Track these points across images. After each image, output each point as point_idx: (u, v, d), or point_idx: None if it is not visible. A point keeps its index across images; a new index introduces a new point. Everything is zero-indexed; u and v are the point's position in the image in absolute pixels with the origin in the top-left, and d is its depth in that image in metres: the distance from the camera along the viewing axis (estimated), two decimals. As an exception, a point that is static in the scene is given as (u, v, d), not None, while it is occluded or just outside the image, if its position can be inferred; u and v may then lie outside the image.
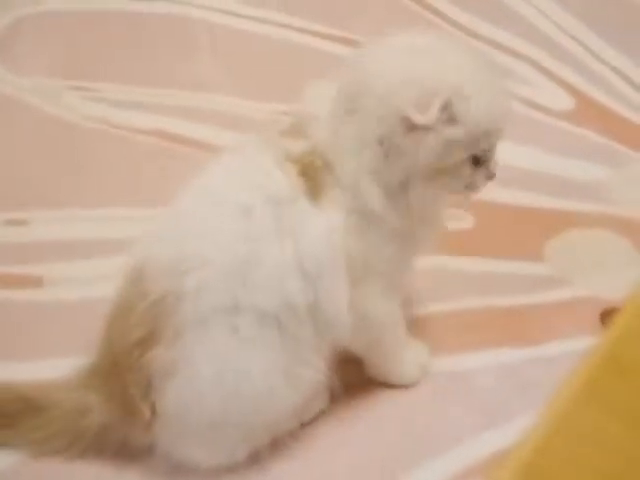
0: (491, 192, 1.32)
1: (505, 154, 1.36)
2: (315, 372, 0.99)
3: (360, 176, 0.94)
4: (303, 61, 1.54)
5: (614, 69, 1.54)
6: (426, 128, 0.90)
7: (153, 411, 0.95)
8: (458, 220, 1.31)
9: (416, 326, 1.18)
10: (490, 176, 0.98)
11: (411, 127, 0.90)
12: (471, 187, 0.99)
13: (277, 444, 1.01)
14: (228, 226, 0.94)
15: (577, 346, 1.15)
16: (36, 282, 1.22)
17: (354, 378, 1.08)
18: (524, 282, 1.24)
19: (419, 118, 0.89)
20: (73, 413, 0.98)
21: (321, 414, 1.06)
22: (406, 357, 1.10)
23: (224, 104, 1.47)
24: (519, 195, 1.35)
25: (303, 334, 0.96)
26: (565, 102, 1.48)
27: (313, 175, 0.96)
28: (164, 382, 0.94)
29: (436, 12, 1.63)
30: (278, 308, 0.94)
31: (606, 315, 1.19)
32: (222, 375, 0.94)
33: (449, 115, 0.90)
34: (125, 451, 1.00)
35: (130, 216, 1.31)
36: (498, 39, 1.58)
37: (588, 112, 1.46)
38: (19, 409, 0.99)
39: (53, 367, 1.05)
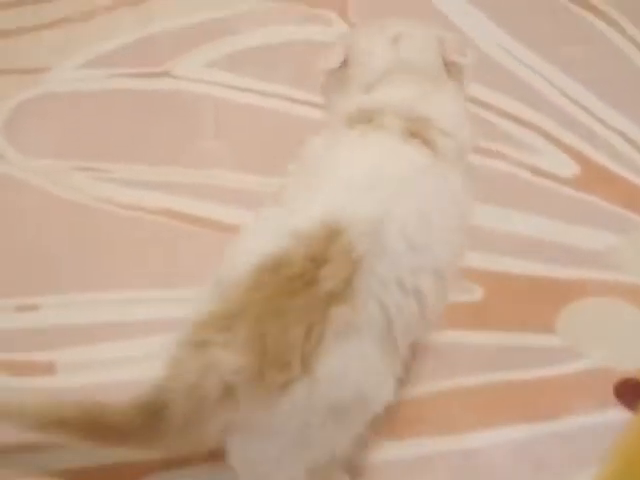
0: (500, 262, 1.34)
1: (512, 223, 1.39)
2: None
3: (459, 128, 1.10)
4: (308, 134, 1.54)
5: (620, 134, 1.54)
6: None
7: (303, 371, 0.90)
8: (467, 292, 1.31)
9: (428, 404, 1.18)
10: None
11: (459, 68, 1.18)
12: None
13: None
14: (407, 194, 1.00)
15: (592, 421, 1.14)
16: (48, 368, 1.22)
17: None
18: (536, 355, 1.24)
19: (464, 59, 1.17)
20: (193, 374, 0.90)
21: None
22: None
23: (231, 180, 1.47)
24: (528, 265, 1.35)
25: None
26: (571, 168, 1.48)
27: (431, 140, 1.06)
28: (332, 344, 0.90)
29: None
30: (449, 264, 1.02)
31: (621, 387, 1.18)
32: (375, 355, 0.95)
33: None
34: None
35: (140, 298, 1.31)
36: (504, 107, 1.58)
37: (594, 178, 1.46)
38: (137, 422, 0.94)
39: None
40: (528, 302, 1.31)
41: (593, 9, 1.79)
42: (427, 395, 1.20)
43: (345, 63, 1.14)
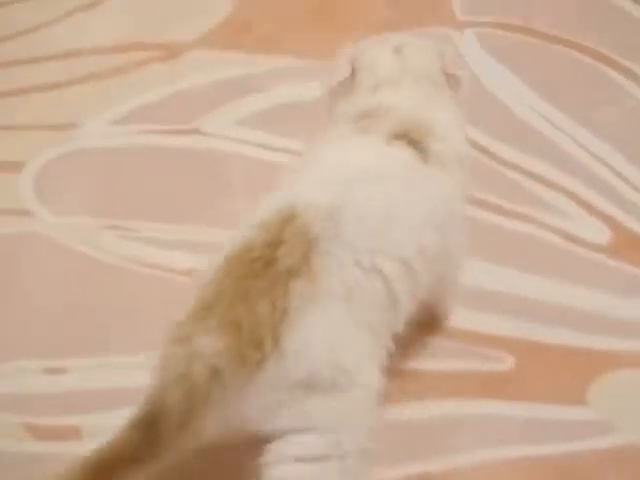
0: (530, 330, 1.32)
1: (543, 290, 1.38)
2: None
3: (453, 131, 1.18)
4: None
5: (650, 198, 1.52)
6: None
7: (274, 347, 0.96)
8: (497, 362, 1.29)
9: (456, 477, 1.16)
10: None
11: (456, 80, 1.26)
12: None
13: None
14: (371, 186, 1.07)
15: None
16: (74, 433, 1.22)
17: None
18: (567, 428, 1.23)
19: (459, 72, 1.26)
20: (181, 365, 0.97)
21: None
22: None
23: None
24: (559, 333, 1.33)
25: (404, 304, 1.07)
26: (602, 234, 1.47)
27: (419, 141, 1.13)
28: (297, 319, 0.97)
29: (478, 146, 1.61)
30: (414, 256, 1.06)
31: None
32: (346, 322, 1.01)
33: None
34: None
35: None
36: (531, 168, 1.57)
37: (627, 245, 1.45)
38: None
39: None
40: (559, 372, 1.29)
41: (623, 70, 1.78)
42: (454, 467, 1.18)
43: (352, 73, 1.24)
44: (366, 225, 1.04)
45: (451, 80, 1.24)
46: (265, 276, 0.99)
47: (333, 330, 1.00)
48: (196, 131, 1.67)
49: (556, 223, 1.49)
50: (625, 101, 1.71)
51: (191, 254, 1.44)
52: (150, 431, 0.97)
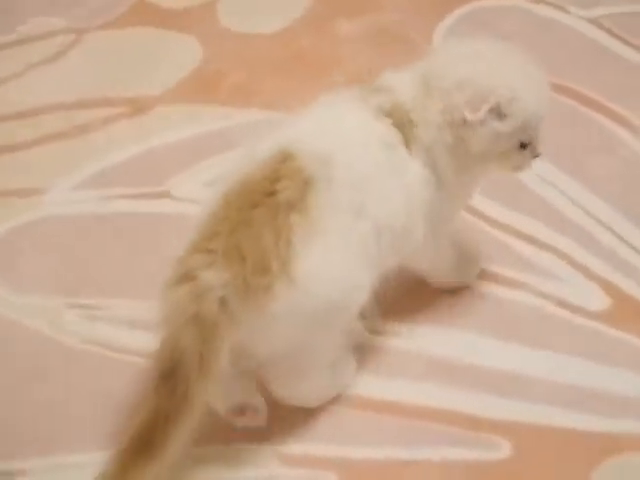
0: (526, 412, 1.23)
1: (537, 364, 1.28)
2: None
3: (437, 145, 1.17)
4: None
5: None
6: (476, 123, 1.14)
7: (281, 273, 1.03)
8: (492, 449, 1.20)
9: None
10: (536, 155, 1.22)
11: (464, 121, 1.14)
12: (519, 168, 1.24)
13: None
14: (358, 147, 1.14)
15: None
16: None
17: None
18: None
19: (470, 115, 1.13)
20: (191, 295, 1.02)
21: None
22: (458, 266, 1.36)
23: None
24: (557, 415, 1.24)
25: (386, 254, 1.15)
26: (600, 300, 1.38)
27: (403, 128, 1.17)
28: (301, 250, 1.04)
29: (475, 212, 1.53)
30: (386, 223, 1.12)
31: None
32: (343, 262, 1.09)
33: (498, 113, 1.14)
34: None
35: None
36: (523, 229, 1.48)
37: (628, 312, 1.35)
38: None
39: None
40: (559, 458, 1.20)
41: (615, 116, 1.69)
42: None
43: None
44: (353, 177, 1.11)
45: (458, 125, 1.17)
46: (266, 205, 1.05)
47: (338, 264, 1.08)
48: (166, 194, 1.58)
49: (549, 289, 1.39)
50: (619, 150, 1.62)
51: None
52: (174, 382, 1.01)
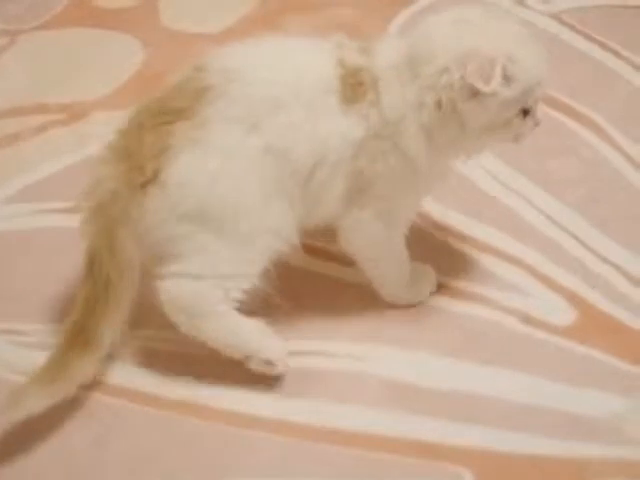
0: (486, 437, 1.14)
1: (498, 385, 1.19)
2: (288, 231, 1.16)
3: (410, 125, 1.13)
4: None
5: (619, 270, 1.34)
6: (491, 94, 1.08)
7: (155, 174, 1.10)
8: (454, 479, 1.11)
9: None
10: (537, 123, 1.18)
11: (475, 94, 1.09)
12: (520, 136, 1.18)
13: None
14: (280, 76, 1.13)
15: None
16: None
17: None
18: None
19: (485, 87, 1.07)
20: (91, 186, 1.15)
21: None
22: (407, 284, 1.27)
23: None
24: (521, 440, 1.15)
25: (289, 187, 1.14)
26: (566, 314, 1.29)
27: (353, 86, 1.13)
28: (177, 154, 1.10)
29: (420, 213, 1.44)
30: (283, 153, 1.12)
31: None
32: (220, 171, 1.10)
33: (506, 78, 1.09)
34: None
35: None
36: (484, 238, 1.40)
37: (595, 326, 1.27)
38: None
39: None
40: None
41: (577, 115, 1.61)
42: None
43: None
44: (254, 95, 1.12)
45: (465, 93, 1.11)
46: (158, 114, 1.12)
47: (216, 172, 1.11)
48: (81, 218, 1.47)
49: (512, 303, 1.31)
50: (582, 152, 1.54)
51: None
52: (93, 269, 1.13)
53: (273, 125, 1.12)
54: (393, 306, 1.30)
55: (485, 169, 1.51)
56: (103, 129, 1.55)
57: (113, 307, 1.14)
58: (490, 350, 1.24)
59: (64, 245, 1.40)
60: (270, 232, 1.15)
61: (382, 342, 1.26)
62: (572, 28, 1.83)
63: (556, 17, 1.87)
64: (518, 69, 1.10)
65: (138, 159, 1.11)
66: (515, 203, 1.45)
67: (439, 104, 1.11)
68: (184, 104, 1.12)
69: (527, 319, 1.28)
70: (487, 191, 1.47)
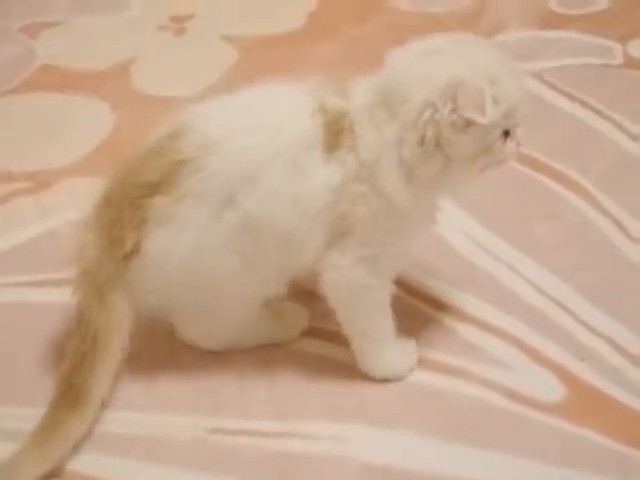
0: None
1: (484, 469, 1.12)
2: (273, 285, 1.18)
3: (387, 164, 1.10)
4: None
5: (609, 341, 1.27)
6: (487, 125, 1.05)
7: (135, 247, 1.12)
8: None
9: None
10: (519, 143, 1.14)
11: (468, 125, 1.06)
12: (503, 161, 1.14)
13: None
14: (258, 140, 1.11)
15: None
16: None
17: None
18: None
19: (481, 118, 1.04)
20: (78, 252, 1.17)
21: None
22: (388, 351, 1.21)
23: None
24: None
25: (269, 251, 1.13)
26: (554, 390, 1.22)
27: (336, 133, 1.11)
28: (155, 228, 1.11)
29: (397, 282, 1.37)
30: (262, 221, 1.10)
31: None
32: (198, 245, 1.11)
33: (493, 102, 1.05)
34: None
35: None
36: (467, 310, 1.33)
37: (585, 402, 1.20)
38: None
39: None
40: None
41: (561, 178, 1.56)
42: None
43: None
44: (230, 168, 1.10)
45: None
46: (135, 186, 1.12)
47: (196, 250, 1.11)
48: (68, 282, 1.39)
49: (497, 378, 1.23)
50: (567, 216, 1.49)
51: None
52: (83, 326, 1.16)
53: (252, 196, 1.11)
54: (375, 383, 1.23)
55: (467, 235, 1.45)
56: (70, 198, 1.53)
57: (101, 363, 1.14)
58: (478, 430, 1.17)
59: (28, 322, 1.33)
60: (254, 295, 1.19)
61: (364, 422, 1.18)
62: (553, 87, 1.80)
63: (537, 76, 1.83)
64: (499, 91, 1.07)
65: (118, 231, 1.13)
66: (498, 270, 1.39)
67: (422, 140, 1.08)
68: (160, 178, 1.11)
69: (513, 395, 1.21)
70: (469, 258, 1.41)
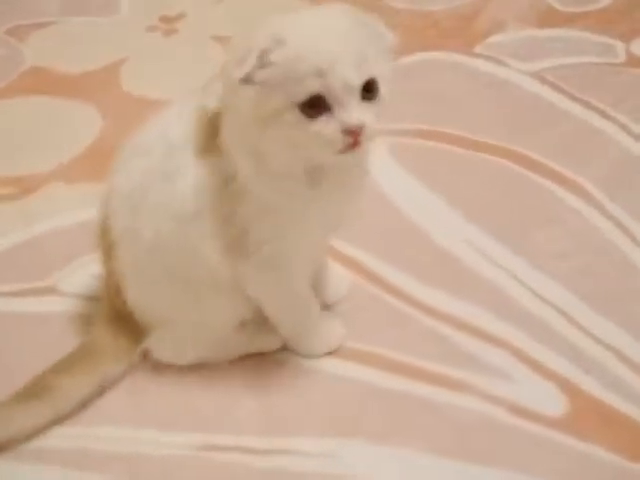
0: None
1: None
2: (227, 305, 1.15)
3: (231, 146, 1.04)
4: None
5: (613, 350, 1.22)
6: (246, 80, 0.95)
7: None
8: None
9: None
10: (345, 128, 0.96)
11: (235, 84, 0.96)
12: (327, 143, 0.97)
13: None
14: (135, 162, 1.11)
15: None
16: None
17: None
18: None
19: (236, 72, 0.95)
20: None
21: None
22: (313, 333, 1.21)
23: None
24: None
25: (185, 268, 1.11)
26: (557, 402, 1.17)
27: (207, 132, 1.06)
28: (129, 275, 1.15)
29: (394, 291, 1.33)
30: (155, 241, 1.09)
31: None
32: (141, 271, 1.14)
33: (263, 61, 0.95)
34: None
35: None
36: (466, 318, 1.28)
37: (589, 415, 1.14)
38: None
39: None
40: None
41: (564, 181, 1.51)
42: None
43: None
44: (129, 208, 1.11)
45: None
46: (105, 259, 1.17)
47: (148, 284, 1.14)
48: (52, 290, 1.35)
49: (499, 391, 1.18)
50: (570, 221, 1.43)
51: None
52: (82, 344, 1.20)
53: (140, 218, 1.11)
54: (370, 397, 1.17)
55: (465, 240, 1.40)
56: (54, 204, 1.47)
57: (81, 370, 1.15)
58: (479, 446, 1.12)
59: (9, 333, 1.28)
60: (216, 317, 1.18)
61: (358, 437, 1.13)
62: (554, 87, 1.75)
63: (537, 76, 1.78)
64: (281, 51, 0.95)
65: (114, 285, 1.18)
66: (498, 277, 1.33)
67: (227, 109, 1.04)
68: (104, 244, 1.17)
69: (515, 409, 1.16)
70: (467, 264, 1.36)
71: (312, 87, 0.95)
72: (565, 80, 1.76)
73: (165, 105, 1.16)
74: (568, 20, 1.99)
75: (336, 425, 1.15)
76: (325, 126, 0.96)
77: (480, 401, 1.17)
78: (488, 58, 1.85)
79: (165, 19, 2.08)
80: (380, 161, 1.54)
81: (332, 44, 0.95)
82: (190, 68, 1.85)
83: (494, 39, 1.91)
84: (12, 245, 1.43)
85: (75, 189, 1.53)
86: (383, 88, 1.00)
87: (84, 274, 1.36)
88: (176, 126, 1.09)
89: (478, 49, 1.89)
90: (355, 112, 0.96)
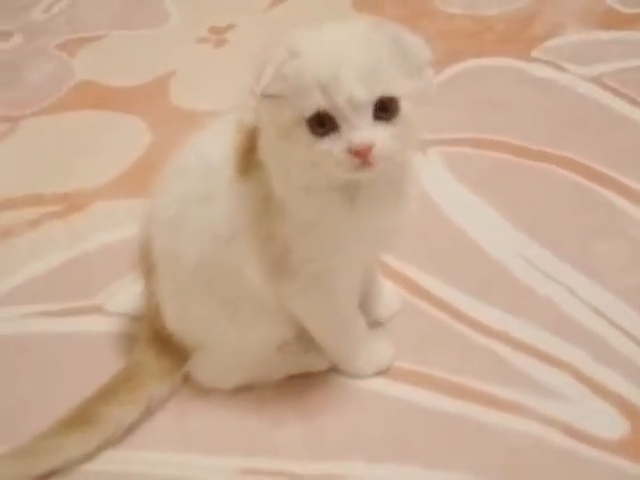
0: None
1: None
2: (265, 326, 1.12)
3: (266, 161, 1.01)
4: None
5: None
6: (264, 93, 0.93)
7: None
8: None
9: None
10: (351, 148, 0.91)
11: (256, 97, 0.94)
12: (335, 163, 0.92)
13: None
14: (173, 185, 1.09)
15: None
16: None
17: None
18: None
19: (255, 85, 0.93)
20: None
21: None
22: (361, 353, 1.17)
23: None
24: None
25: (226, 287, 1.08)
26: (617, 425, 1.11)
27: (245, 147, 1.03)
28: (165, 296, 1.14)
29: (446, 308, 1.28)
30: (196, 263, 1.07)
31: None
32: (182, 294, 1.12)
33: (278, 74, 0.92)
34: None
35: None
36: (519, 336, 1.23)
37: (648, 440, 1.09)
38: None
39: None
40: None
41: (625, 191, 1.45)
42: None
43: None
44: (162, 227, 1.10)
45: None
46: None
47: (185, 304, 1.12)
48: (98, 310, 1.34)
49: (554, 412, 1.13)
50: (631, 233, 1.37)
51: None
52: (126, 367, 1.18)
53: (181, 242, 1.09)
54: (418, 417, 1.13)
55: (521, 255, 1.34)
56: (102, 221, 1.46)
57: (126, 396, 1.13)
58: (532, 471, 1.07)
59: (56, 353, 1.27)
60: (258, 337, 1.15)
61: (409, 462, 1.09)
62: (615, 91, 1.68)
63: (597, 81, 1.71)
64: (294, 65, 0.91)
65: (155, 307, 1.17)
66: (555, 293, 1.28)
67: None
68: (147, 265, 1.15)
69: (571, 432, 1.11)
70: (523, 280, 1.30)
71: (317, 102, 0.91)
72: (626, 84, 1.69)
73: (211, 119, 1.13)
74: (630, 21, 1.91)
75: (385, 449, 1.11)
76: (332, 145, 0.92)
77: (533, 423, 1.12)
78: (545, 63, 1.79)
79: (215, 30, 2.07)
80: (432, 171, 1.50)
81: (338, 58, 0.90)
82: (241, 80, 1.82)
83: (551, 43, 1.85)
84: (59, 263, 1.43)
85: (121, 205, 1.52)
86: (407, 107, 0.93)
87: (129, 293, 1.34)
88: (214, 145, 1.07)
89: (535, 53, 1.83)
90: (365, 131, 0.91)
